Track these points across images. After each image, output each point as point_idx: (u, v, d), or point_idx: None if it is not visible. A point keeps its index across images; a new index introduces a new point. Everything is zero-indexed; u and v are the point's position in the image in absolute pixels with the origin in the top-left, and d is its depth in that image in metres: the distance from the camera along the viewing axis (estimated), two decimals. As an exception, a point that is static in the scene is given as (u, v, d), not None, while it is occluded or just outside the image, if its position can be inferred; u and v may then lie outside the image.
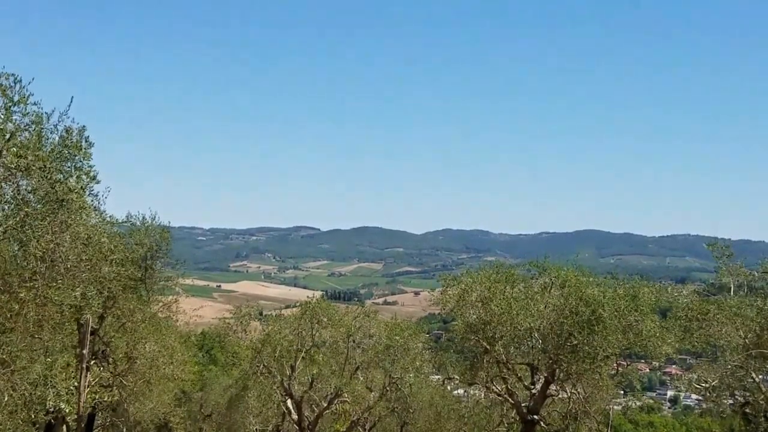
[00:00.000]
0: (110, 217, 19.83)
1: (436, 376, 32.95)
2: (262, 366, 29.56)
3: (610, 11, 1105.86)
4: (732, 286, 20.05)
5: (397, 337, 28.47)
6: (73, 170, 13.45)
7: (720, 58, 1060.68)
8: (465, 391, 29.84)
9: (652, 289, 22.36)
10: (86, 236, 14.91)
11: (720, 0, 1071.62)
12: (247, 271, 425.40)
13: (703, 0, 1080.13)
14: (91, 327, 22.67)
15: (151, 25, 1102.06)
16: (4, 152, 12.02)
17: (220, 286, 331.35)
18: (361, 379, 30.05)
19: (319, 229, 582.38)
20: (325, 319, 29.33)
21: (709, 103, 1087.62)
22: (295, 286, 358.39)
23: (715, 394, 20.51)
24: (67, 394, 19.91)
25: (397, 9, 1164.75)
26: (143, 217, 23.74)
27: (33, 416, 17.06)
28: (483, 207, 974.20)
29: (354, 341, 29.38)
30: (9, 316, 13.26)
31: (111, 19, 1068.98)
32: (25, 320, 13.41)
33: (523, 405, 24.04)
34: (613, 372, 25.00)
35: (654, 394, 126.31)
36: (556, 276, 23.34)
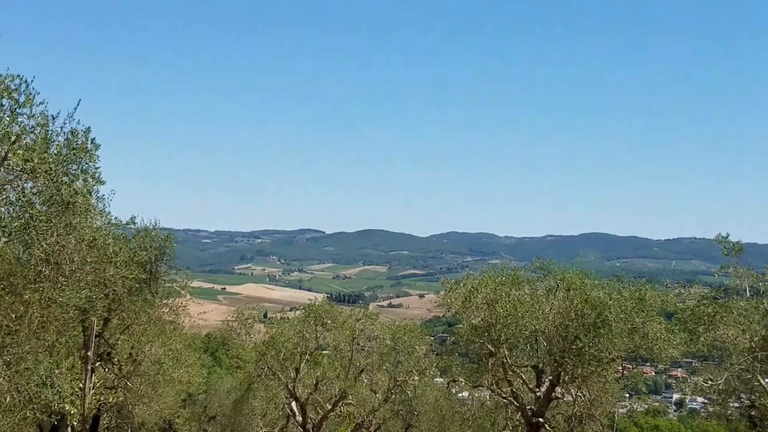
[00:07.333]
0: (115, 219, 19.84)
1: (441, 379, 32.91)
2: (266, 368, 29.56)
3: (615, 12, 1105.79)
4: (740, 288, 19.95)
5: (405, 338, 28.48)
6: (78, 173, 13.45)
7: (727, 60, 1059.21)
8: (470, 394, 29.77)
9: (658, 291, 22.29)
10: (91, 238, 14.93)
11: (730, 3, 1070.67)
12: (251, 274, 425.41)
13: (712, 2, 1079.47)
14: (96, 329, 22.70)
15: (157, 27, 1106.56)
16: (10, 155, 12.03)
17: (224, 288, 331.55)
18: (366, 381, 30.03)
19: (323, 232, 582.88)
20: (329, 322, 29.34)
21: (715, 105, 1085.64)
22: (299, 288, 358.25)
23: (720, 398, 20.41)
24: (71, 395, 19.92)
25: (401, 11, 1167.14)
26: (146, 222, 23.70)
27: (38, 416, 17.06)
28: (488, 210, 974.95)
29: (358, 344, 29.37)
30: (14, 317, 13.28)
31: (115, 20, 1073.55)
32: (30, 322, 13.42)
33: (528, 408, 23.97)
34: (618, 375, 24.92)
35: (659, 398, 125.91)
36: (561, 279, 23.28)
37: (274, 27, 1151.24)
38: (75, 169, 13.33)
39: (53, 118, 12.73)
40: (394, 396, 29.29)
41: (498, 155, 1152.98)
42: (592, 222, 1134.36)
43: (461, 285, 24.13)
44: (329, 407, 29.53)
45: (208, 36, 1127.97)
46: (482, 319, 23.31)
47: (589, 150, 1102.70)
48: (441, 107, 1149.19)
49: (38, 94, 12.27)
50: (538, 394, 23.90)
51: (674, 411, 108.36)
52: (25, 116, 12.32)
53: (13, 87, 12.01)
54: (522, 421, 24.95)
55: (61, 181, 12.85)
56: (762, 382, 19.14)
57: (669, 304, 22.38)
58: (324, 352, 32.72)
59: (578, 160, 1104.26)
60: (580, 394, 23.42)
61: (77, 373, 21.97)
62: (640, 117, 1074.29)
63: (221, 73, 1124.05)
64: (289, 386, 29.38)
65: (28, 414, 15.44)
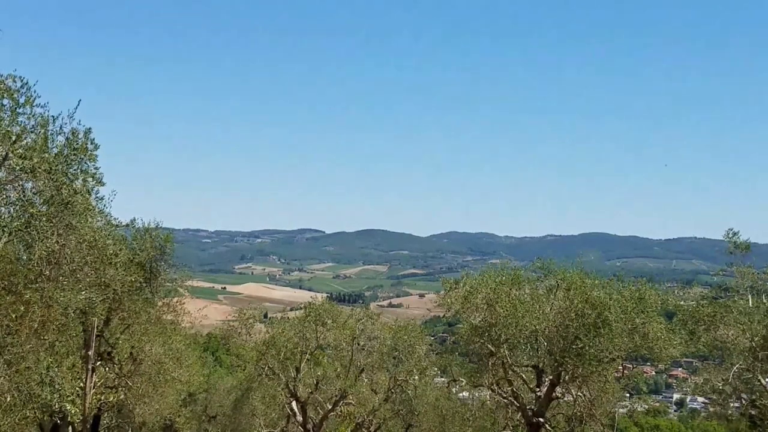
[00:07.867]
0: (115, 219, 19.82)
1: (441, 379, 32.87)
2: (267, 368, 29.55)
3: (616, 12, 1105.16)
4: (742, 287, 19.94)
5: (405, 338, 28.47)
6: (78, 173, 13.44)
7: (727, 60, 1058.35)
8: (470, 394, 29.75)
9: (659, 291, 22.26)
10: (91, 239, 14.92)
11: (730, 3, 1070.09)
12: (252, 273, 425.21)
13: (712, 3, 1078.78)
14: (97, 329, 22.69)
15: (157, 28, 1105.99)
16: (10, 155, 12.02)
17: (225, 288, 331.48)
18: (366, 381, 30.01)
19: (323, 232, 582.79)
20: (330, 321, 29.32)
21: (715, 105, 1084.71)
22: (300, 288, 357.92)
23: (721, 398, 20.41)
24: (72, 395, 19.91)
25: (401, 13, 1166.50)
26: (147, 223, 23.67)
27: (38, 415, 17.06)
28: (488, 210, 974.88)
29: (359, 343, 29.35)
30: (14, 317, 13.28)
31: (115, 22, 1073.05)
32: (31, 321, 13.42)
33: (528, 408, 23.96)
34: (618, 375, 24.89)
35: (660, 397, 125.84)
36: (562, 278, 23.25)
37: (274, 29, 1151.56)
38: (75, 170, 13.32)
39: (53, 119, 12.74)
40: (394, 396, 29.27)
41: (498, 155, 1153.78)
42: (592, 222, 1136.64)
43: (460, 285, 24.09)
44: (330, 407, 29.52)
45: (207, 37, 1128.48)
46: (482, 319, 23.28)
47: (589, 150, 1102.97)
48: (441, 107, 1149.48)
49: (39, 97, 12.29)
50: (538, 394, 23.88)
51: (674, 411, 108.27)
52: (25, 116, 12.33)
53: (14, 87, 12.01)
54: (522, 421, 24.94)
55: (62, 181, 12.84)
56: (762, 381, 19.13)
57: (669, 304, 22.37)
58: (327, 352, 32.71)
59: (578, 160, 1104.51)
60: (580, 394, 23.39)
61: (78, 373, 21.97)
62: (640, 117, 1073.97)
63: (221, 74, 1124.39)
64: (290, 386, 29.37)
65: (28, 413, 15.44)
